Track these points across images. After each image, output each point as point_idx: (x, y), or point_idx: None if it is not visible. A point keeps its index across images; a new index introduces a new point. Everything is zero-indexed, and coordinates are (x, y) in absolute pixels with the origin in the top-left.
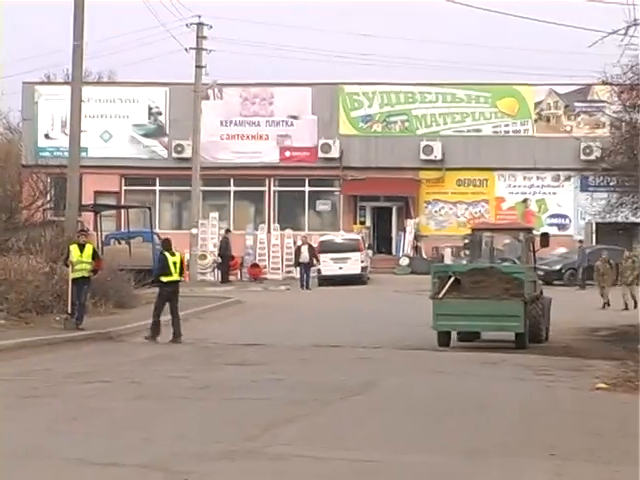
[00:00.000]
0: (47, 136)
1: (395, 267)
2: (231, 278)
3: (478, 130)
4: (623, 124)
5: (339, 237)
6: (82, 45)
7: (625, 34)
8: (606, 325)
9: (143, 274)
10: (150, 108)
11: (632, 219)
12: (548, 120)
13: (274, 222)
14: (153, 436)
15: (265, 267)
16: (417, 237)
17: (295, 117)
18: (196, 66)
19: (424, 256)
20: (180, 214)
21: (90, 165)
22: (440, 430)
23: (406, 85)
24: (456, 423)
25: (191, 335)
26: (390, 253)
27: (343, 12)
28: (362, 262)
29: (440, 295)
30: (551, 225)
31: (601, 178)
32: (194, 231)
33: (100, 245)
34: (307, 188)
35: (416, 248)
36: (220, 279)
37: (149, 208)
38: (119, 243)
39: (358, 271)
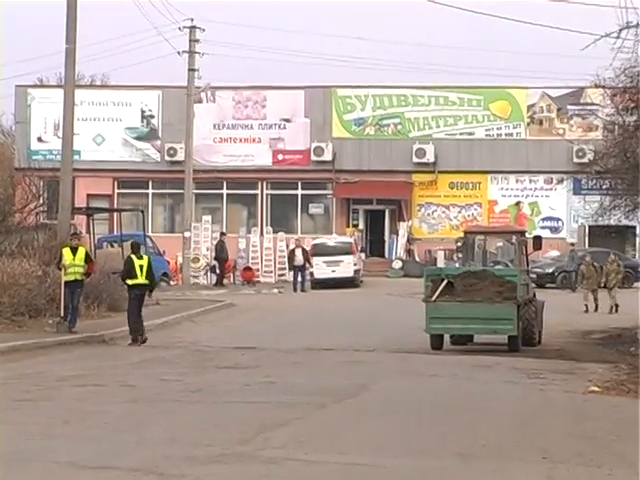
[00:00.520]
0: (40, 139)
1: (388, 270)
2: (224, 281)
3: (471, 133)
4: (616, 127)
5: (332, 240)
6: (75, 48)
7: (618, 37)
8: (599, 328)
9: None
10: (143, 111)
11: (625, 222)
12: (541, 123)
13: (267, 225)
14: (146, 439)
15: (258, 270)
16: (410, 240)
17: (288, 120)
18: (189, 69)
19: (417, 259)
20: (173, 217)
21: (83, 168)
22: (433, 433)
23: (399, 88)
24: (449, 426)
25: (184, 338)
26: (383, 256)
27: (335, 15)
28: (355, 265)
29: (433, 298)
30: (544, 228)
31: (594, 181)
32: (187, 234)
33: (93, 248)
34: (300, 191)
35: (409, 251)
36: (214, 282)
37: (142, 211)
38: (112, 246)
39: (351, 274)
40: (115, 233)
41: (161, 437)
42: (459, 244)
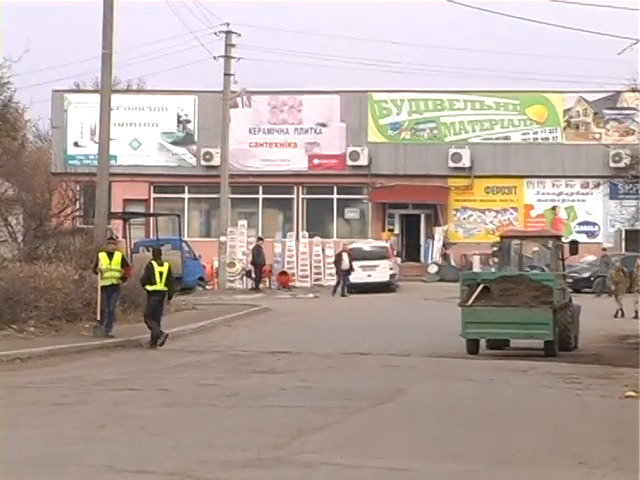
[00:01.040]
0: (76, 144)
1: (424, 275)
2: (260, 286)
3: (507, 137)
4: None
5: (367, 245)
6: (111, 53)
7: None
8: (635, 333)
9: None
10: (179, 116)
11: None
12: (577, 127)
13: (302, 230)
14: (182, 443)
15: (293, 275)
16: (446, 245)
17: (324, 125)
18: (225, 74)
19: (453, 264)
20: (209, 222)
21: (119, 173)
22: (468, 438)
23: (434, 92)
24: (484, 431)
25: (220, 343)
26: (419, 261)
27: (371, 20)
28: (391, 270)
29: (469, 303)
30: (580, 233)
31: (630, 185)
32: (223, 239)
33: (129, 253)
34: (335, 196)
35: (445, 256)
36: (251, 286)
37: (178, 216)
38: (148, 251)
39: (387, 279)
40: (151, 238)
41: (197, 441)
42: (495, 249)
